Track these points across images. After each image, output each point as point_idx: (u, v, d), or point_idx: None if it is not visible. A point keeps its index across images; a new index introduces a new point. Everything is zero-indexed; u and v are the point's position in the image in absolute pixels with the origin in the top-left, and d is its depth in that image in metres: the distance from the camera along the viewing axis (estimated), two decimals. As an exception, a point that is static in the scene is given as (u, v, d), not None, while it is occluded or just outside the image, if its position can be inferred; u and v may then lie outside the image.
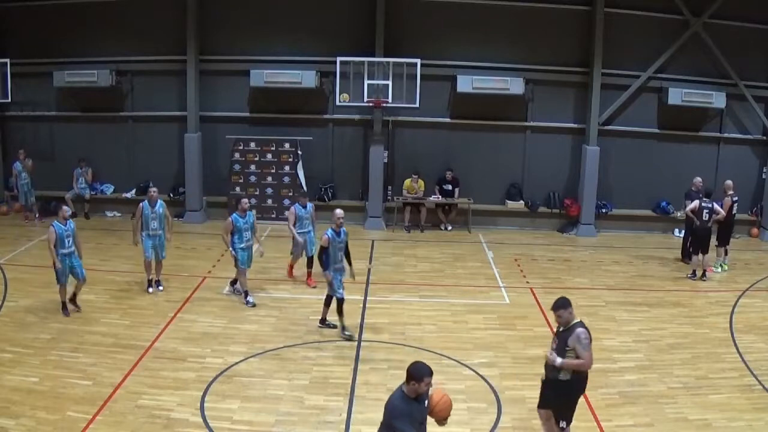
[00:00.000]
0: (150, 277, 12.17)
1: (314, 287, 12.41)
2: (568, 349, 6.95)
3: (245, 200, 12.07)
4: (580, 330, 6.95)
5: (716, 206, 13.62)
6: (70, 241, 10.83)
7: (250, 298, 11.72)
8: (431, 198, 16.95)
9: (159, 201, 12.11)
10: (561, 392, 7.08)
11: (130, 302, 11.69)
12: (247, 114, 17.39)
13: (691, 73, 16.62)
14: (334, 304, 10.56)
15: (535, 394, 8.82)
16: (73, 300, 11.16)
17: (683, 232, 15.28)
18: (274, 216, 17.15)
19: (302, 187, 17.02)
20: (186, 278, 12.94)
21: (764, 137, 17.08)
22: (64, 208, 10.97)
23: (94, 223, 16.84)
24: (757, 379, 9.36)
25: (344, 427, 8.08)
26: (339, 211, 10.68)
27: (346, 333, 10.49)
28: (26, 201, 16.69)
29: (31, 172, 16.63)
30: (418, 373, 5.42)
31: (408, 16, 16.61)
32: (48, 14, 16.87)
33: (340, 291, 10.51)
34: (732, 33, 16.31)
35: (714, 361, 9.88)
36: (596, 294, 12.86)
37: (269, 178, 17.18)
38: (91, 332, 10.36)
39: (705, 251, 13.63)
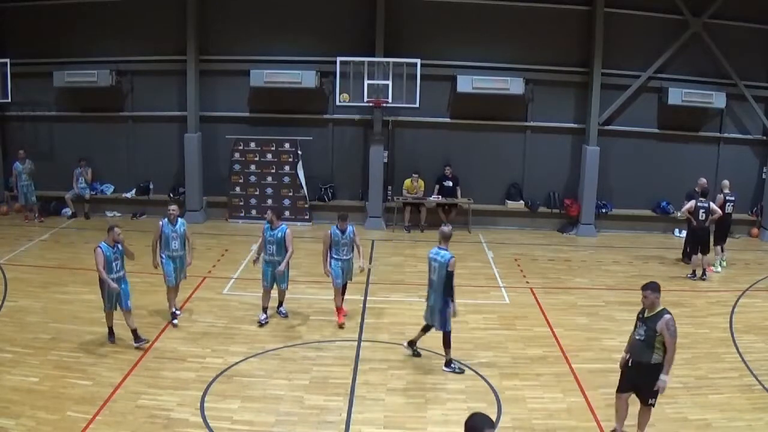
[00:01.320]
0: (173, 310, 10.89)
1: (342, 326, 10.85)
2: (657, 334, 7.33)
3: (268, 212, 11.05)
4: (668, 317, 7.35)
5: (713, 206, 13.62)
6: (119, 265, 9.82)
7: (262, 317, 10.98)
8: (431, 198, 16.94)
9: (180, 219, 10.94)
10: (653, 374, 7.41)
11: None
12: (247, 114, 17.39)
13: (691, 73, 16.63)
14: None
15: (535, 393, 8.90)
16: (134, 333, 9.85)
17: (684, 232, 15.26)
18: (274, 216, 17.13)
19: (302, 187, 17.05)
20: (186, 278, 12.91)
21: (764, 137, 17.09)
22: (116, 230, 9.79)
23: (94, 223, 16.82)
24: (757, 379, 9.36)
25: (344, 427, 8.07)
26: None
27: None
28: (26, 201, 16.69)
29: (32, 174, 16.60)
30: (479, 425, 4.75)
31: (408, 16, 16.61)
32: (48, 14, 16.88)
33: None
34: (732, 33, 16.31)
35: (714, 361, 9.88)
36: (596, 294, 12.86)
37: (269, 178, 17.18)
38: (91, 332, 10.35)
39: (705, 251, 13.64)
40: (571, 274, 14.19)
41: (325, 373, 9.35)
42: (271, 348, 10.10)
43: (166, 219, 10.89)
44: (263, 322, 10.88)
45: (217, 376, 9.07)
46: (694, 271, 13.79)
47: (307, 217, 17.20)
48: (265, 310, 10.98)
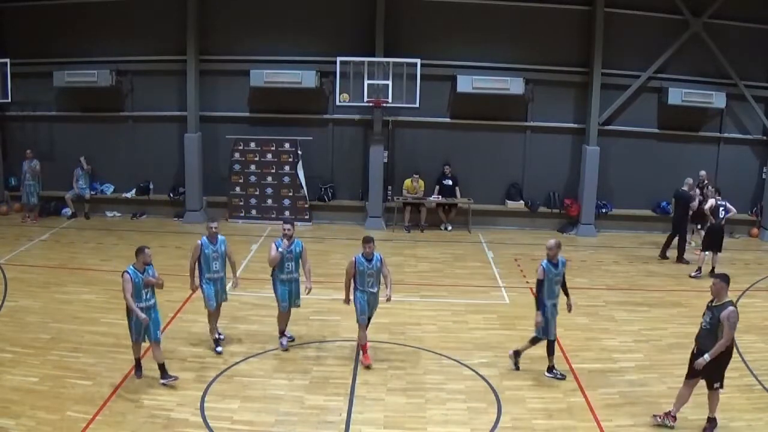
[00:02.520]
0: (216, 336, 9.97)
1: (369, 366, 9.57)
2: (720, 323, 7.69)
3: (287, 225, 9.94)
4: (731, 309, 7.69)
5: (729, 205, 13.74)
6: (150, 293, 8.74)
7: (284, 342, 10.17)
8: (431, 198, 16.94)
9: (220, 237, 9.94)
10: (715, 360, 7.74)
11: (130, 302, 11.66)
12: (247, 114, 17.39)
13: (691, 73, 16.64)
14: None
15: (535, 393, 8.90)
16: (162, 372, 8.89)
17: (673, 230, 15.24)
18: (273, 216, 17.15)
19: (302, 187, 17.05)
20: (186, 278, 12.87)
21: (764, 137, 17.09)
22: (147, 251, 8.67)
23: (94, 223, 16.84)
24: (757, 379, 9.36)
25: (344, 427, 8.08)
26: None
27: None
28: (28, 201, 16.66)
29: (36, 175, 16.57)
30: None
31: (408, 16, 16.62)
32: (48, 14, 16.88)
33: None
34: (732, 33, 16.32)
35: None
36: (596, 294, 12.86)
37: (269, 178, 17.17)
38: (91, 332, 10.35)
39: (719, 249, 13.71)
40: (571, 274, 14.05)
41: (325, 373, 9.35)
42: (271, 348, 10.09)
43: (205, 238, 9.82)
44: (286, 347, 10.03)
45: (217, 376, 9.07)
46: (699, 269, 13.80)
47: (307, 217, 17.20)
48: (284, 333, 10.19)
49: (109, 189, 17.78)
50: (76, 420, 7.89)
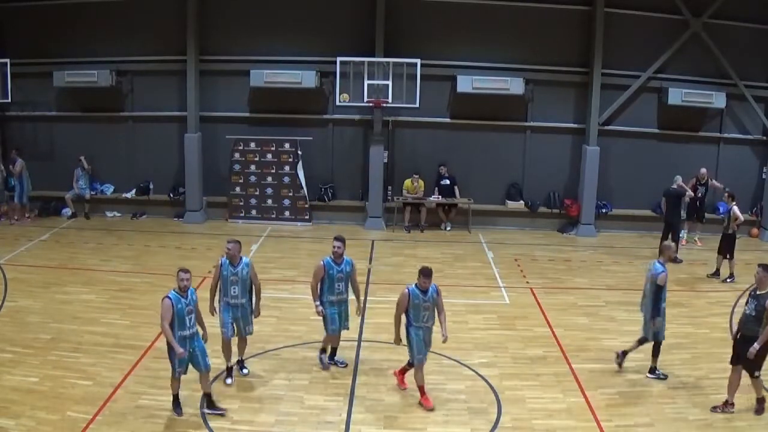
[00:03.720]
0: (230, 364, 9.06)
1: (404, 389, 9.01)
2: (765, 310, 8.01)
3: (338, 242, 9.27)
4: None
5: (735, 209, 13.73)
6: (192, 320, 8.00)
7: (324, 358, 9.60)
8: (431, 198, 16.94)
9: (243, 259, 8.89)
10: (764, 349, 8.09)
11: (130, 302, 11.68)
12: (247, 114, 17.39)
13: (691, 73, 16.64)
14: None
15: (535, 393, 8.90)
16: (209, 402, 8.26)
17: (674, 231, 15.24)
18: (273, 216, 17.16)
19: (302, 187, 17.05)
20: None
21: (764, 137, 17.09)
22: (181, 274, 7.97)
23: (94, 223, 16.84)
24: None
25: (344, 427, 8.07)
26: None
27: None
28: (19, 200, 16.60)
29: (17, 175, 16.44)
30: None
31: (408, 16, 16.61)
32: (48, 14, 16.88)
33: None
34: (732, 33, 16.32)
35: (714, 361, 9.86)
36: (596, 294, 12.86)
37: (269, 178, 17.17)
38: (91, 332, 10.35)
39: (730, 256, 13.75)
40: (571, 274, 14.19)
41: (325, 373, 9.35)
42: (271, 348, 10.09)
43: (225, 258, 8.82)
44: (327, 366, 9.47)
45: (217, 376, 9.06)
46: (720, 273, 13.82)
47: (307, 217, 17.20)
48: (325, 350, 9.61)
49: (109, 189, 17.78)
50: (76, 420, 7.89)
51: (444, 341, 8.58)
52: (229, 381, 8.96)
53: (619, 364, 9.59)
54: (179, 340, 7.83)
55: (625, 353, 9.59)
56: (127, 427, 7.83)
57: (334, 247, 9.18)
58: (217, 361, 8.80)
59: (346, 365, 9.48)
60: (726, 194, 14.45)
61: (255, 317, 9.11)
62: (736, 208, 13.72)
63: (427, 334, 8.51)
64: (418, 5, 16.64)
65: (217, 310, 8.95)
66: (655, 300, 9.15)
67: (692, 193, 15.31)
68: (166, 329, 7.79)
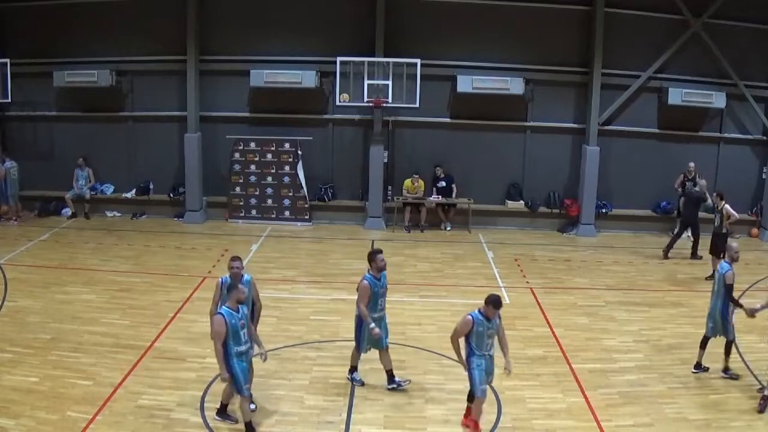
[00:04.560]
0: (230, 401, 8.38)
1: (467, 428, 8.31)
2: None
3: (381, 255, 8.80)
4: None
5: (728, 208, 13.63)
6: (246, 334, 7.64)
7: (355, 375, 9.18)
8: (431, 198, 16.94)
9: (245, 277, 8.26)
10: None
11: (130, 302, 11.68)
12: (247, 114, 17.38)
13: (691, 73, 16.62)
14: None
15: (535, 393, 8.90)
16: (222, 410, 8.08)
17: (686, 231, 15.26)
18: (273, 216, 17.16)
19: (302, 187, 17.05)
20: (186, 278, 12.94)
21: (764, 137, 17.08)
22: (241, 287, 7.66)
23: (94, 223, 16.84)
24: (757, 379, 9.34)
25: (344, 427, 8.08)
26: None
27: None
28: (7, 202, 16.59)
29: (1, 178, 16.42)
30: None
31: (408, 16, 16.61)
32: (48, 14, 16.86)
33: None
34: (732, 33, 16.31)
35: (714, 361, 9.86)
36: (596, 294, 12.86)
37: (269, 178, 17.17)
38: (91, 332, 10.35)
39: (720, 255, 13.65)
40: (571, 274, 14.19)
41: (325, 373, 9.35)
42: (271, 348, 10.08)
43: (227, 277, 8.30)
44: (361, 382, 9.11)
45: (217, 376, 9.05)
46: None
47: (307, 217, 17.20)
48: (356, 368, 9.21)
49: (109, 189, 17.77)
50: (76, 420, 7.89)
51: (508, 374, 7.90)
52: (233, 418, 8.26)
53: (706, 369, 9.55)
54: (236, 356, 7.48)
55: (698, 365, 9.56)
56: (127, 427, 7.83)
57: (379, 261, 8.67)
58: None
59: (363, 383, 9.09)
60: (715, 194, 14.27)
61: (263, 360, 8.11)
62: (728, 206, 13.61)
63: (489, 363, 7.88)
64: (418, 5, 16.64)
65: None
66: (725, 299, 9.21)
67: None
68: (220, 351, 7.37)
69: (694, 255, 15.04)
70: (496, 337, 7.90)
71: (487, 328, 7.70)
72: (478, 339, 7.71)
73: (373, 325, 8.56)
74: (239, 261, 8.33)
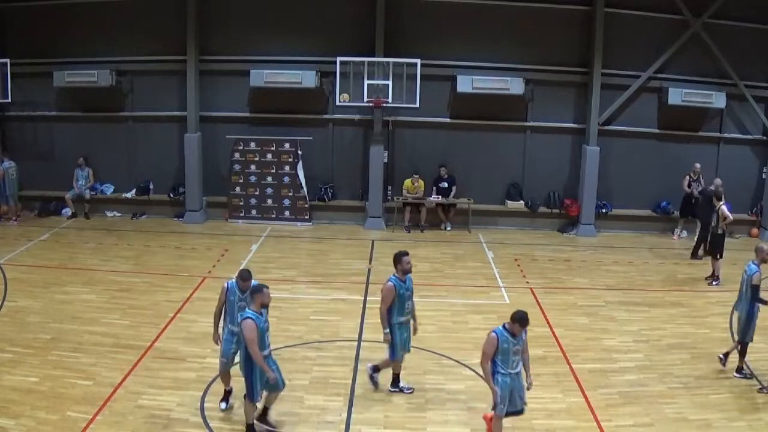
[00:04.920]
0: (228, 387, 8.41)
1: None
2: None
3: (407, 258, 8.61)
4: None
5: (724, 209, 13.56)
6: (269, 338, 7.62)
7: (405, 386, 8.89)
8: (431, 198, 16.94)
9: (252, 284, 7.95)
10: None
11: (130, 302, 11.68)
12: (247, 114, 17.38)
13: (691, 73, 16.62)
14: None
15: (535, 393, 8.83)
16: (264, 416, 7.97)
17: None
18: (273, 216, 17.16)
19: (302, 187, 17.05)
20: (186, 278, 12.94)
21: (764, 137, 17.08)
22: (265, 290, 7.52)
23: (94, 223, 16.84)
24: (757, 379, 9.35)
25: (344, 427, 8.08)
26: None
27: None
28: (7, 202, 16.62)
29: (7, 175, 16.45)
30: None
31: (408, 16, 16.61)
32: (48, 14, 16.86)
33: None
34: (732, 33, 16.31)
35: (714, 361, 9.87)
36: (596, 294, 12.86)
37: (269, 178, 17.17)
38: (91, 332, 10.35)
39: (717, 255, 13.62)
40: (571, 274, 14.19)
41: (325, 373, 9.35)
42: (271, 348, 10.06)
43: (234, 282, 8.11)
44: (411, 389, 8.87)
45: (217, 377, 9.06)
46: (713, 275, 13.65)
47: (307, 217, 17.20)
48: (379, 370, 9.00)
49: (109, 189, 17.77)
50: (76, 420, 7.88)
51: (528, 389, 7.65)
52: (224, 405, 8.33)
53: (751, 376, 9.48)
54: (227, 332, 7.58)
55: (739, 369, 9.46)
56: (127, 427, 7.83)
57: (404, 263, 8.47)
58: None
59: (413, 390, 8.82)
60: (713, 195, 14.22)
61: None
62: (724, 207, 13.56)
63: (516, 381, 7.50)
64: (418, 5, 16.64)
65: (221, 337, 8.28)
66: (752, 300, 9.20)
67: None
68: (256, 353, 7.28)
69: (695, 255, 15.04)
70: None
71: (512, 345, 7.40)
72: (503, 356, 7.39)
73: (387, 331, 8.47)
74: (248, 273, 8.18)
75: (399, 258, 8.55)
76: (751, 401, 8.76)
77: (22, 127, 17.68)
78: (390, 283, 8.45)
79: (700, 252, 14.90)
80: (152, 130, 17.46)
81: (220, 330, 8.29)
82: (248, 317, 7.34)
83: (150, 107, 17.32)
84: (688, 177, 16.25)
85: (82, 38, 16.82)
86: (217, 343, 8.31)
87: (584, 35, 16.49)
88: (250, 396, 7.56)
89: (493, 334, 7.39)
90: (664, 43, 16.46)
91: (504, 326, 7.43)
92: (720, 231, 13.56)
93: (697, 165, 16.24)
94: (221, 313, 8.19)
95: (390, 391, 8.85)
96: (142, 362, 9.46)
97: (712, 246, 13.72)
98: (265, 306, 7.52)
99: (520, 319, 7.39)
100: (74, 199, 17.11)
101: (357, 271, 13.72)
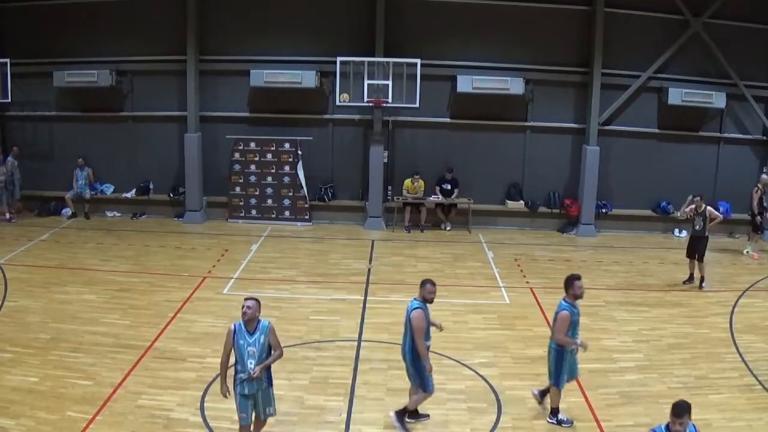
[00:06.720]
0: None
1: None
2: None
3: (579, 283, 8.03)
4: None
5: (710, 210, 13.45)
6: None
7: (562, 417, 8.25)
8: (431, 198, 16.94)
9: (262, 322, 6.98)
10: None
11: (130, 302, 11.67)
12: (247, 114, 17.37)
13: (691, 73, 16.62)
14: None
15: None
16: (415, 413, 7.96)
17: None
18: (273, 216, 17.16)
19: (302, 187, 17.05)
20: (186, 278, 12.94)
21: (764, 137, 17.08)
22: (428, 286, 7.70)
23: (94, 223, 16.84)
24: (757, 379, 9.35)
25: (344, 427, 8.07)
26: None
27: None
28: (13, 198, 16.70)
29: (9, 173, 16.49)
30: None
31: (408, 16, 16.60)
32: (48, 14, 16.87)
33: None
34: (732, 33, 16.31)
35: (714, 361, 9.88)
36: (596, 294, 12.84)
37: (269, 178, 17.17)
38: (91, 332, 10.34)
39: (699, 258, 13.44)
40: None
41: (325, 373, 9.34)
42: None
43: (241, 323, 6.97)
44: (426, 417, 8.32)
45: (217, 376, 9.06)
46: (694, 277, 13.54)
47: (307, 217, 17.20)
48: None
49: (109, 189, 17.76)
50: (76, 420, 7.88)
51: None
52: None
53: None
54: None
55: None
56: (127, 427, 7.83)
57: (576, 287, 7.97)
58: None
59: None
60: (698, 197, 13.54)
61: (252, 374, 6.89)
62: (710, 208, 13.46)
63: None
64: (418, 5, 16.63)
65: (230, 390, 7.11)
66: None
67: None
68: (421, 346, 7.39)
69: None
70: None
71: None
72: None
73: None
74: (252, 300, 7.00)
75: (571, 282, 8.00)
76: (751, 401, 8.76)
77: (22, 127, 17.66)
78: (565, 311, 7.86)
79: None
80: (152, 130, 17.46)
81: (229, 381, 7.09)
82: (417, 307, 7.70)
83: (150, 107, 17.31)
84: (759, 191, 15.38)
85: (82, 38, 16.82)
86: (226, 396, 7.06)
87: (584, 35, 16.49)
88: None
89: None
90: (664, 43, 16.46)
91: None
92: (705, 234, 13.30)
93: (764, 176, 15.43)
94: (228, 362, 7.03)
95: (556, 422, 8.22)
96: (142, 362, 9.45)
97: (697, 250, 13.41)
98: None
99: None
100: (74, 199, 17.10)
101: (357, 271, 13.72)
